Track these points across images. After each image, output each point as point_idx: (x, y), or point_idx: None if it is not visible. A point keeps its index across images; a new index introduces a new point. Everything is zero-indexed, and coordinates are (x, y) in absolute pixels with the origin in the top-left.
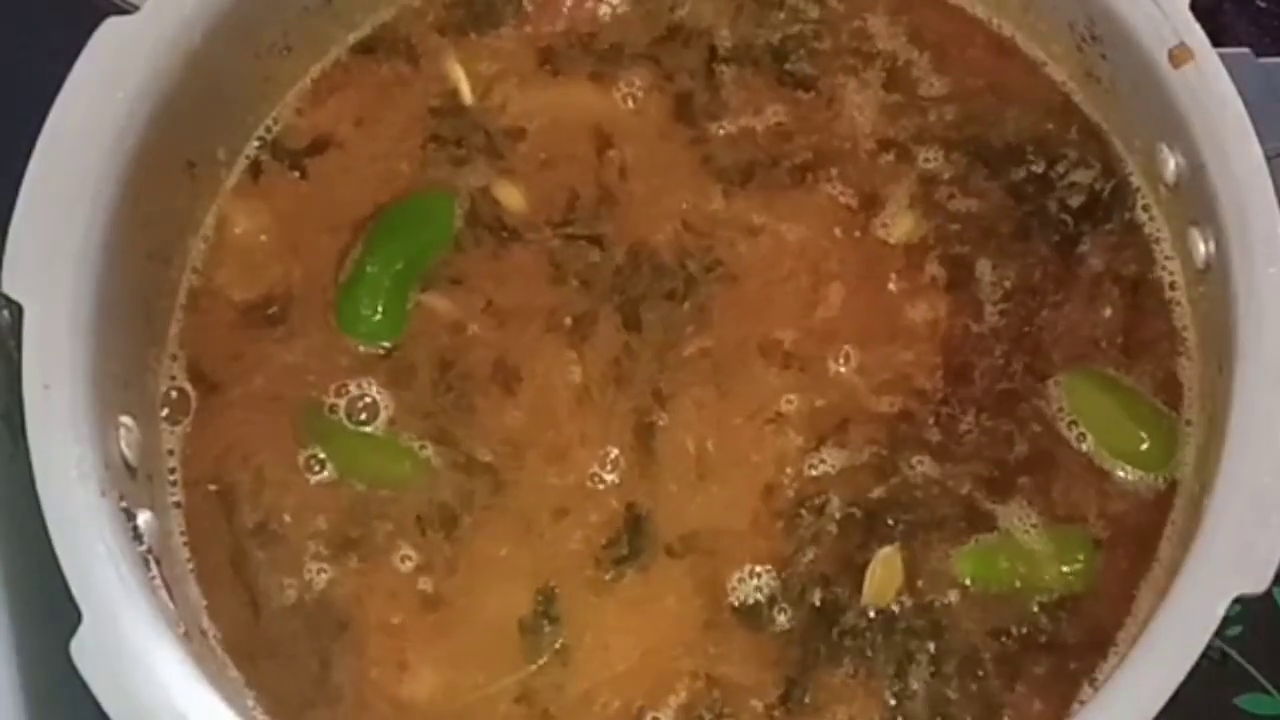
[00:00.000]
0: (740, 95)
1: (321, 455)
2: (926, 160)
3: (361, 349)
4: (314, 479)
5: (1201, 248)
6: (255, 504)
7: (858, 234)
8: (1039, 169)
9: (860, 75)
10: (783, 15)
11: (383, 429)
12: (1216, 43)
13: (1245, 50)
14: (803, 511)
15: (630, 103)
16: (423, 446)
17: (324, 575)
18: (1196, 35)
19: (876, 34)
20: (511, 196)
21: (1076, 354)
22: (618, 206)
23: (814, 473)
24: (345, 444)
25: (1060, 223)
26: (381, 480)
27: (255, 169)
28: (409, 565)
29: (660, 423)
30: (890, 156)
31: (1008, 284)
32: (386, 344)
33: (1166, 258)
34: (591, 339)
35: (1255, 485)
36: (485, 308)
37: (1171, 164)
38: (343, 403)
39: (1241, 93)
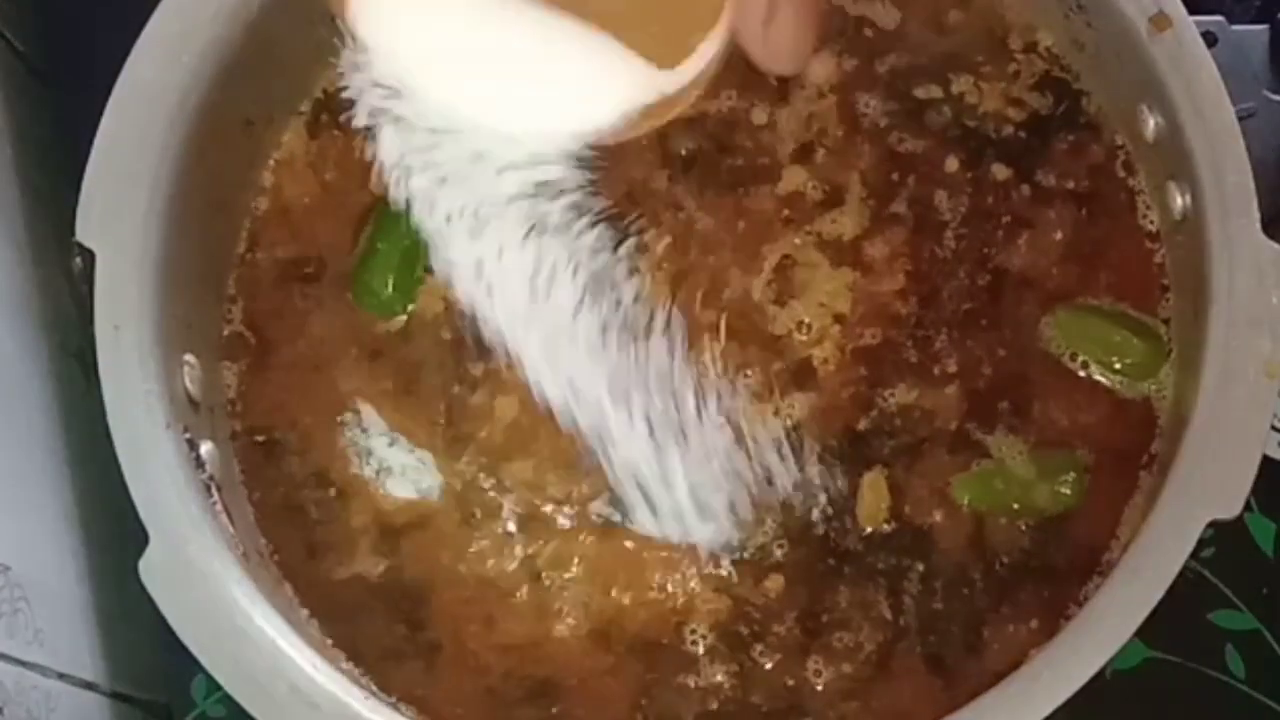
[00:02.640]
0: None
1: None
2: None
3: (378, 328)
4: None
5: (1179, 200)
6: (304, 463)
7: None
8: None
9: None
10: None
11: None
12: (1193, 11)
13: (1219, 18)
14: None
15: None
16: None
17: (381, 564)
18: (1174, 4)
19: None
20: None
21: (1065, 293)
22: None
23: (788, 421)
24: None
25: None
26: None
27: (307, 129)
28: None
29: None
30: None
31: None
32: (399, 315)
33: (1147, 208)
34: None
35: (1228, 419)
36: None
37: (1151, 123)
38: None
39: (1216, 58)
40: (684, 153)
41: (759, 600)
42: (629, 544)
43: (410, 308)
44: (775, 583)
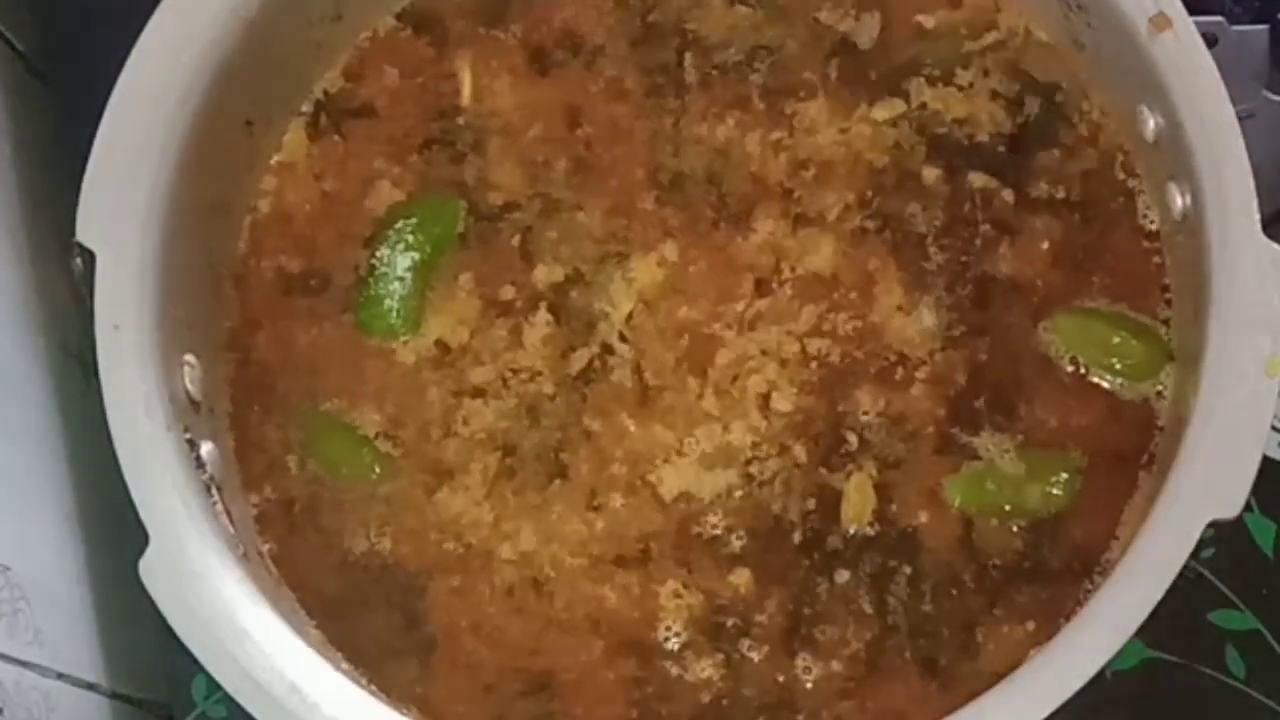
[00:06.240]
0: (703, 99)
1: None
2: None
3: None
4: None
5: (1179, 200)
6: (304, 464)
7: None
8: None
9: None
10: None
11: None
12: (1193, 11)
13: (1219, 19)
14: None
15: (605, 101)
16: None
17: (380, 564)
18: (1174, 4)
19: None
20: (501, 179)
21: (1063, 296)
22: (589, 175)
23: (775, 425)
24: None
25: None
26: None
27: (307, 131)
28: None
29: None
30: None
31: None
32: (403, 339)
33: (1147, 208)
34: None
35: (1228, 419)
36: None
37: (1151, 124)
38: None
39: (1216, 58)
40: (672, 175)
41: (727, 593)
42: (598, 539)
43: (416, 331)
44: (742, 577)
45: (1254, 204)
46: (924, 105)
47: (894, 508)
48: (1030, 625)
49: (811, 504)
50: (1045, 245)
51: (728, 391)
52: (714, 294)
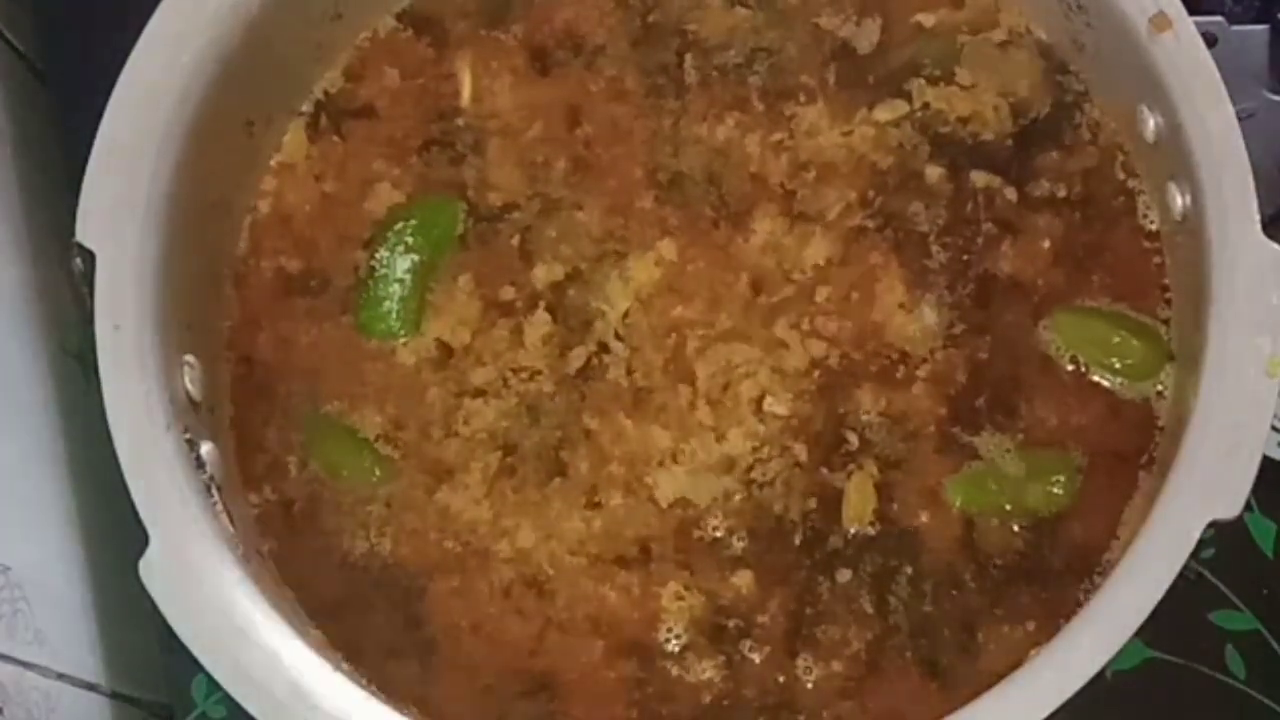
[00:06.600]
0: (702, 100)
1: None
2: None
3: (382, 346)
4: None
5: (1179, 200)
6: (303, 463)
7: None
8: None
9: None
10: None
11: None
12: (1193, 11)
13: (1219, 19)
14: (766, 463)
15: (605, 101)
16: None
17: (379, 565)
18: (1174, 4)
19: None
20: (500, 179)
21: (1063, 295)
22: (588, 175)
23: (772, 426)
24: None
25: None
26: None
27: (307, 131)
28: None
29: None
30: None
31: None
32: (403, 340)
33: (1147, 208)
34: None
35: (1228, 419)
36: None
37: (1151, 124)
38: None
39: (1216, 58)
40: (671, 175)
41: (729, 594)
42: (595, 537)
43: (416, 329)
44: (744, 579)
45: (1254, 204)
46: (926, 105)
47: (895, 507)
48: (1030, 625)
49: (812, 504)
50: (1046, 244)
51: (720, 401)
52: (711, 295)
